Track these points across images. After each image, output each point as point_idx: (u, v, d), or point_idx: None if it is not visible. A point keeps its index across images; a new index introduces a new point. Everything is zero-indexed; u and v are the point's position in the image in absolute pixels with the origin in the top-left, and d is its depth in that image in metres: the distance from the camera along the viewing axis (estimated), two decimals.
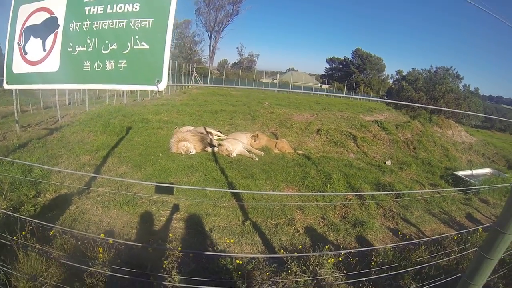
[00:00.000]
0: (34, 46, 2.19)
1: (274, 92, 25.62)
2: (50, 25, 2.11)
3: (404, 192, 7.05)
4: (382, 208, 6.43)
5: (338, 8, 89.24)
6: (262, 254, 4.48)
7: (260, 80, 56.54)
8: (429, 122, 14.84)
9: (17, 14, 2.27)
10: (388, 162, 10.06)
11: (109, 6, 1.91)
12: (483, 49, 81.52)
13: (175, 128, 10.23)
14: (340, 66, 65.77)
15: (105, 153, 8.50)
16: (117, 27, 1.90)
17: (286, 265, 3.91)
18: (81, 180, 6.72)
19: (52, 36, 2.10)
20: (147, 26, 1.84)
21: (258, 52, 76.75)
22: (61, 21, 2.07)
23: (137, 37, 1.86)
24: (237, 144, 9.24)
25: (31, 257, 3.57)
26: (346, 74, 61.05)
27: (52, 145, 9.15)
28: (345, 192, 6.93)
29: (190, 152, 8.75)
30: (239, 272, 3.78)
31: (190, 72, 36.25)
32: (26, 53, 2.23)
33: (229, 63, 66.93)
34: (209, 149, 9.24)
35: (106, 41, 1.93)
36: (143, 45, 1.84)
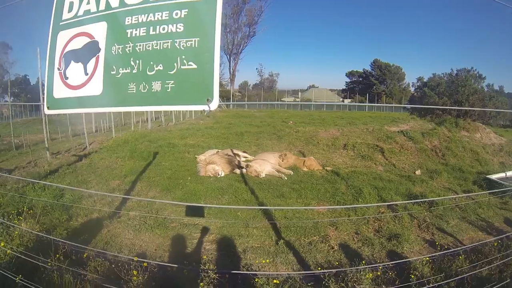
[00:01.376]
0: (75, 70, 2.22)
1: (297, 110, 25.64)
2: (91, 49, 2.14)
3: (438, 198, 6.91)
4: (416, 220, 6.30)
5: (352, 20, 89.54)
6: (297, 272, 4.48)
7: (282, 99, 56.64)
8: (455, 127, 14.52)
9: (56, 40, 2.31)
10: (418, 172, 9.89)
11: (151, 28, 1.94)
12: (502, 45, 78.94)
13: (196, 157, 10.44)
14: (360, 79, 65.40)
15: (134, 178, 8.72)
16: (161, 48, 1.91)
17: (323, 282, 3.87)
18: (111, 205, 6.93)
19: (93, 60, 2.13)
20: (193, 46, 1.85)
21: (278, 72, 77.30)
22: (102, 45, 2.10)
23: (183, 57, 1.87)
24: (266, 165, 9.28)
25: (65, 279, 3.66)
26: (367, 86, 60.57)
27: (82, 171, 9.56)
28: (376, 206, 6.83)
29: (218, 174, 8.84)
30: None
31: None
32: (67, 78, 2.26)
33: (250, 85, 67.69)
34: (237, 171, 9.32)
35: (151, 62, 1.95)
36: (191, 65, 1.85)
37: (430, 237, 5.76)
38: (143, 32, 1.96)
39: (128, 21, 2.00)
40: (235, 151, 10.69)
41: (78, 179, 8.75)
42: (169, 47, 1.89)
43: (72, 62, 2.22)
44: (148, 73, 1.94)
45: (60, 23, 2.27)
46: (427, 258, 4.37)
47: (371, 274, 3.81)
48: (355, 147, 11.59)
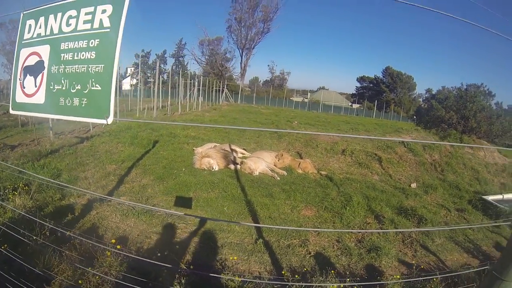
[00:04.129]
0: (29, 82, 2.70)
1: (304, 111, 25.54)
2: (39, 66, 2.60)
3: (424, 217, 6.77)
4: (401, 234, 6.14)
5: (368, 26, 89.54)
6: (258, 280, 4.45)
7: (290, 98, 57.05)
8: (459, 143, 14.33)
9: (19, 55, 2.80)
10: (413, 185, 9.75)
11: (75, 54, 2.33)
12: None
13: (194, 149, 10.58)
14: (371, 85, 65.44)
15: (131, 164, 8.86)
16: (80, 71, 2.31)
17: (287, 287, 3.88)
18: (105, 188, 7.09)
19: (40, 75, 2.59)
20: (99, 71, 2.22)
21: (290, 70, 77.05)
22: (46, 64, 2.55)
23: (93, 80, 2.24)
24: (260, 163, 9.28)
25: (45, 253, 3.91)
26: (377, 93, 60.95)
27: (82, 153, 9.67)
28: (363, 216, 6.73)
29: (212, 168, 8.89)
30: None
31: (221, 88, 37.04)
32: (24, 87, 2.75)
33: (260, 81, 67.84)
34: (232, 166, 9.34)
35: (74, 82, 2.35)
36: (97, 87, 2.23)
37: (411, 254, 5.62)
38: (70, 57, 2.38)
39: (62, 46, 2.43)
40: (233, 147, 10.69)
41: (77, 160, 8.86)
42: (85, 71, 2.29)
43: (28, 75, 2.74)
44: (72, 90, 2.38)
45: (22, 42, 2.78)
46: (398, 276, 4.29)
47: (335, 286, 3.76)
48: (353, 153, 11.48)
